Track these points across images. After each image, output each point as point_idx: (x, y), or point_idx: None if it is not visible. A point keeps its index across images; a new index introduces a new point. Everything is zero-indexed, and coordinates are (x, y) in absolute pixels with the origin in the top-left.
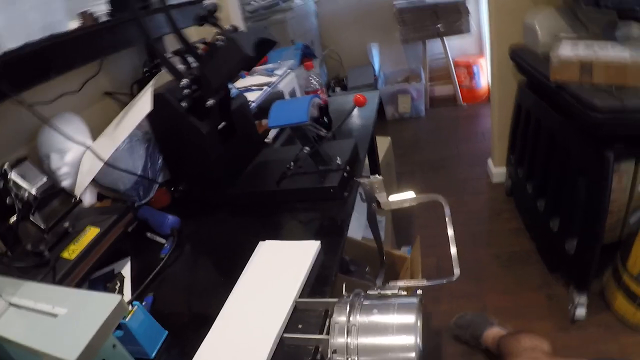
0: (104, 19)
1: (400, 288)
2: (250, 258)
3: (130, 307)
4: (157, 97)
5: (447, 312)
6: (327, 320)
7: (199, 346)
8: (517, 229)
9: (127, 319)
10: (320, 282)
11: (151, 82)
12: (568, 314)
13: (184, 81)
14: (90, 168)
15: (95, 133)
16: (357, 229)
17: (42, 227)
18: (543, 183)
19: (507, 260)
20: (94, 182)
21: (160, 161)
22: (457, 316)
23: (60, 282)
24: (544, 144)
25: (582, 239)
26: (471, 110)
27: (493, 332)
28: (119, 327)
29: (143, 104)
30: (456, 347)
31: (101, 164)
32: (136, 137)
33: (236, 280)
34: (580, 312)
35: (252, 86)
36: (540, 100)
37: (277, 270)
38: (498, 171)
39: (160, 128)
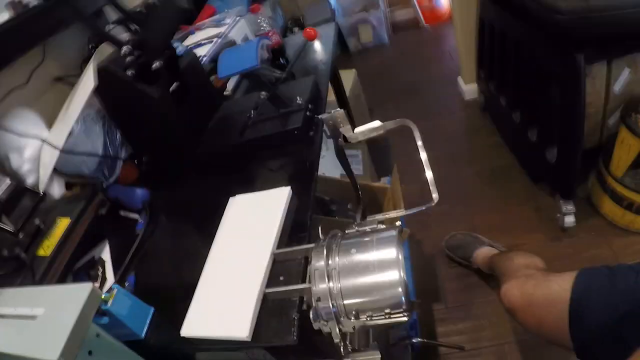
0: (35, 3)
1: (379, 222)
2: (223, 216)
3: (110, 291)
4: (101, 71)
5: (437, 236)
6: (308, 267)
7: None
8: (496, 143)
9: (109, 305)
10: (297, 229)
11: (92, 58)
12: (557, 223)
13: (125, 48)
14: (50, 159)
15: (53, 122)
16: (334, 167)
17: (12, 230)
18: (516, 94)
19: (490, 176)
20: (58, 171)
21: (119, 136)
22: (447, 237)
23: (41, 281)
24: (512, 55)
25: (562, 147)
26: (435, 32)
27: (484, 252)
28: (104, 313)
29: (87, 82)
30: (450, 269)
31: (57, 154)
32: (90, 116)
33: (212, 241)
34: (569, 220)
35: (202, 41)
36: (503, 10)
37: (250, 224)
38: (469, 88)
39: (111, 102)
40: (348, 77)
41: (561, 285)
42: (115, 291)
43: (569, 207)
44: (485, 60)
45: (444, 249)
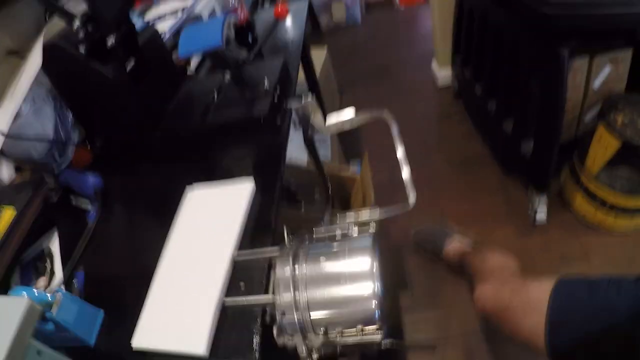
0: None
1: (351, 224)
2: (179, 209)
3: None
4: (50, 48)
5: (405, 226)
6: (271, 273)
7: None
8: (468, 132)
9: (54, 312)
10: (260, 229)
11: (42, 33)
12: (528, 217)
13: (76, 22)
14: None
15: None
16: (301, 153)
17: None
18: (492, 83)
19: (461, 165)
20: (6, 155)
21: (71, 117)
22: (417, 229)
23: None
24: (490, 42)
25: (538, 140)
26: (409, 13)
27: (455, 247)
28: (48, 320)
29: (33, 59)
30: (417, 259)
31: (2, 138)
32: (40, 96)
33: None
34: (541, 214)
35: (165, 14)
36: None
37: (208, 222)
38: (443, 74)
39: (62, 81)
40: (319, 56)
41: (539, 294)
42: (60, 296)
43: (542, 201)
44: (461, 45)
45: (413, 240)
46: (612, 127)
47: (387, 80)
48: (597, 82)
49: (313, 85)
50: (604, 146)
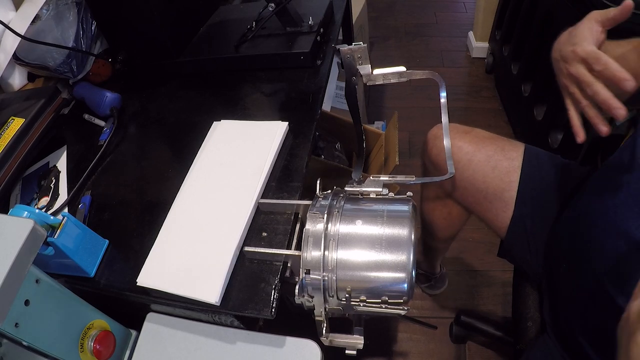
0: None
1: (384, 184)
2: (203, 143)
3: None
4: None
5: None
6: (297, 226)
7: (146, 256)
8: (495, 109)
9: (55, 236)
10: (288, 175)
11: None
12: None
13: None
14: (11, 45)
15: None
16: (325, 98)
17: None
18: (531, 66)
19: None
20: (20, 60)
21: (94, 27)
22: None
23: None
24: (538, 24)
25: (568, 135)
26: None
27: None
28: (49, 244)
29: None
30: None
31: (18, 39)
32: (63, 0)
33: (187, 171)
34: None
35: None
36: None
37: (235, 160)
38: (479, 46)
39: None
40: (357, 5)
41: (515, 153)
42: (64, 220)
43: None
44: (505, 21)
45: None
46: None
47: (420, 41)
48: None
49: (349, 34)
50: None
